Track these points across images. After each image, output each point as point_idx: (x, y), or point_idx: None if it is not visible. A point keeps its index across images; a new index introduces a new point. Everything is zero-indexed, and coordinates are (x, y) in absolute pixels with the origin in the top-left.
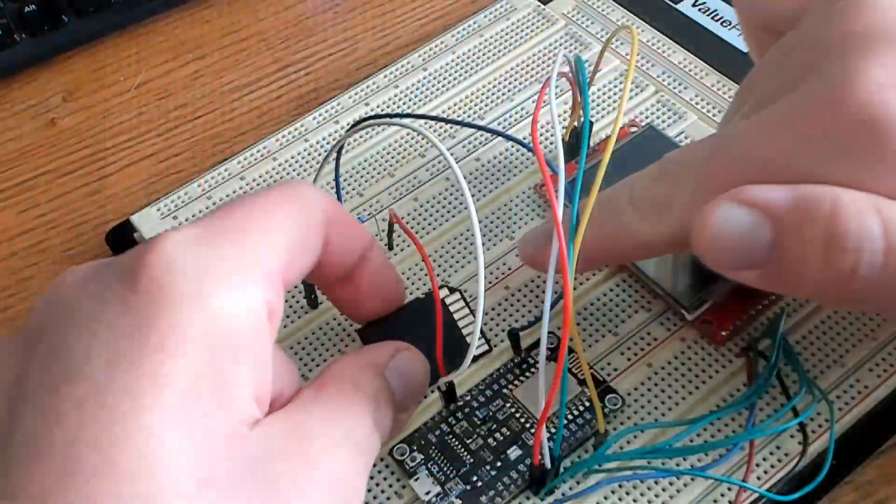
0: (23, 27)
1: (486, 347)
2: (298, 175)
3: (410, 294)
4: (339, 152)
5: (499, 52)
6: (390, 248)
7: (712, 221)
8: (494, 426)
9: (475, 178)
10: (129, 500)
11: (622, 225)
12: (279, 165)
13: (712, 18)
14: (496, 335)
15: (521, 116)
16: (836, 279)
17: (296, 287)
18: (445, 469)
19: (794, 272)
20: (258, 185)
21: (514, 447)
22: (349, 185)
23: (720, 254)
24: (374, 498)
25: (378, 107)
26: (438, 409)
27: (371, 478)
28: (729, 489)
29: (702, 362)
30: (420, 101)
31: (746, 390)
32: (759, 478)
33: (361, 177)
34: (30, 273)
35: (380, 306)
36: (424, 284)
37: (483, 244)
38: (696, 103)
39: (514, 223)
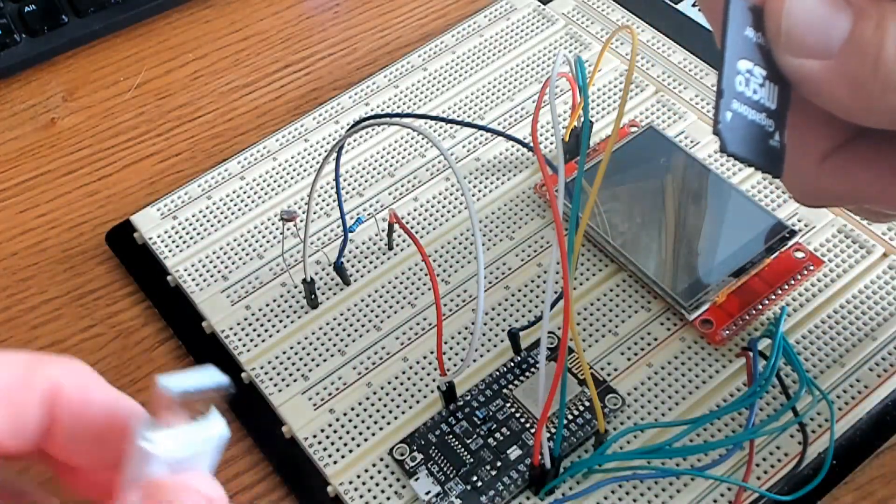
0: (23, 27)
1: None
2: (298, 175)
3: (411, 293)
4: (339, 152)
5: (499, 52)
6: (390, 247)
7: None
8: (494, 426)
9: (475, 178)
10: None
11: None
12: (279, 165)
13: None
14: (496, 335)
15: (521, 116)
16: None
17: (296, 287)
18: (445, 469)
19: (867, 63)
20: (258, 184)
21: (514, 447)
22: (349, 185)
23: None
24: (374, 498)
25: (378, 107)
26: (438, 409)
27: (371, 478)
28: (729, 489)
29: (702, 362)
30: (420, 101)
31: (746, 390)
32: (758, 478)
33: (361, 177)
34: (30, 273)
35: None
36: (424, 284)
37: (483, 244)
38: (696, 103)
39: (514, 223)
